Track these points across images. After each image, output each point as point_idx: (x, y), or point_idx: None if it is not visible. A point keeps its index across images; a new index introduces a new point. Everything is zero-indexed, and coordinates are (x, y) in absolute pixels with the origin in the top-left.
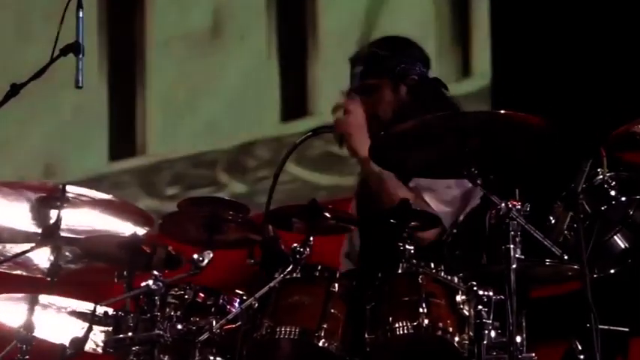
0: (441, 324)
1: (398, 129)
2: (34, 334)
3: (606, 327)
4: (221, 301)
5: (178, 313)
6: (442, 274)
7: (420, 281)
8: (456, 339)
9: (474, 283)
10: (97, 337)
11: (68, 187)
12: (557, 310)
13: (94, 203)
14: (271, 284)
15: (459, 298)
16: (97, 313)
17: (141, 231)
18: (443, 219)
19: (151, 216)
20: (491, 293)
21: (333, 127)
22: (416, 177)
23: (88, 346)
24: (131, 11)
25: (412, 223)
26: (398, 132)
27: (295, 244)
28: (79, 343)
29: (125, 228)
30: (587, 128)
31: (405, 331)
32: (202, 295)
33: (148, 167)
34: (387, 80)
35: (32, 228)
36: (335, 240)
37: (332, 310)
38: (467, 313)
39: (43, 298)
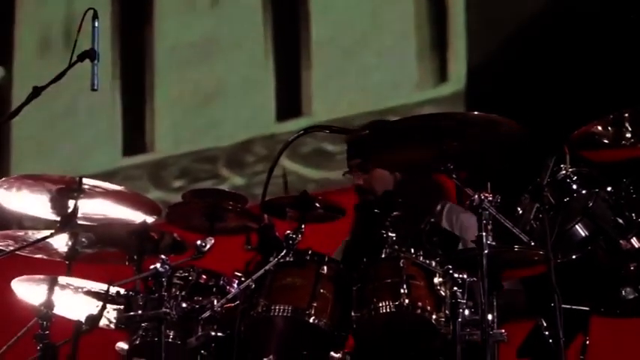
0: (420, 303)
1: (385, 127)
2: (53, 312)
3: (569, 306)
4: (221, 282)
5: (183, 293)
6: (421, 258)
7: (402, 265)
8: (434, 317)
9: (450, 266)
10: (110, 315)
11: (84, 180)
12: (524, 291)
13: (108, 194)
14: (267, 267)
15: (436, 280)
16: (110, 293)
17: (149, 219)
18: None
19: (158, 206)
20: (465, 276)
21: (322, 127)
22: (402, 172)
23: (102, 323)
24: (140, 22)
25: (394, 213)
26: (385, 131)
27: (288, 231)
28: (93, 319)
29: (135, 216)
30: (552, 129)
31: (388, 310)
32: (205, 276)
33: (156, 162)
34: None
35: (52, 216)
36: (323, 229)
37: (321, 291)
38: (443, 294)
39: (62, 279)
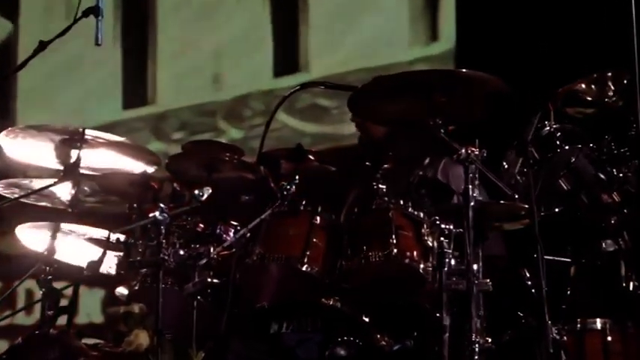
0: (408, 253)
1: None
2: (55, 257)
3: (551, 257)
4: (218, 230)
5: (181, 240)
6: (410, 209)
7: (391, 215)
8: (421, 266)
9: (437, 217)
10: (111, 261)
11: (87, 131)
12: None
13: (110, 145)
14: (262, 216)
15: (424, 230)
16: (111, 240)
17: (150, 169)
18: None
19: (158, 157)
20: (451, 227)
21: (318, 83)
22: (390, 125)
23: (103, 268)
24: None
25: (385, 166)
26: (375, 85)
27: (283, 182)
28: (94, 265)
29: (136, 167)
30: (537, 86)
31: (377, 259)
32: (202, 225)
33: (157, 115)
34: None
35: (56, 165)
36: None
37: (314, 240)
38: (430, 244)
39: (64, 226)
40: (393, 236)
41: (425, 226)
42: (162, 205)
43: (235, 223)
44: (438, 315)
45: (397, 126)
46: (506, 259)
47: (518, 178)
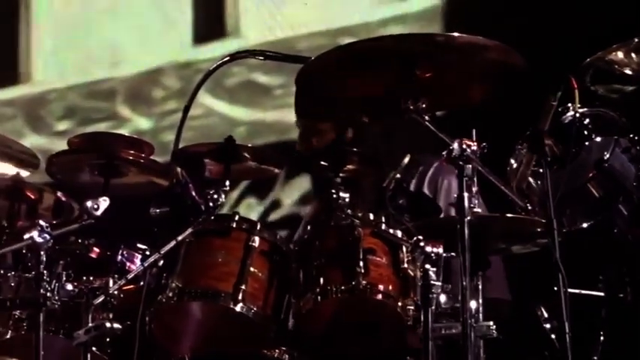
0: (381, 286)
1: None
2: None
3: (578, 291)
4: (119, 257)
5: (69, 271)
6: (383, 226)
7: (357, 235)
8: (399, 304)
9: (421, 237)
10: None
11: None
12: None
13: None
14: (180, 238)
15: (402, 255)
16: None
17: (24, 173)
18: None
19: (36, 155)
20: (441, 250)
21: (254, 52)
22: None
23: None
24: None
25: (348, 167)
26: (335, 55)
27: (209, 190)
28: None
29: (6, 169)
30: (557, 56)
31: (339, 295)
32: (97, 250)
33: (34, 97)
34: None
35: None
36: None
37: (251, 269)
38: (412, 274)
39: None
40: (361, 263)
41: (404, 249)
42: (42, 222)
43: (143, 247)
44: None
45: (364, 111)
46: (509, 305)
47: (532, 181)
